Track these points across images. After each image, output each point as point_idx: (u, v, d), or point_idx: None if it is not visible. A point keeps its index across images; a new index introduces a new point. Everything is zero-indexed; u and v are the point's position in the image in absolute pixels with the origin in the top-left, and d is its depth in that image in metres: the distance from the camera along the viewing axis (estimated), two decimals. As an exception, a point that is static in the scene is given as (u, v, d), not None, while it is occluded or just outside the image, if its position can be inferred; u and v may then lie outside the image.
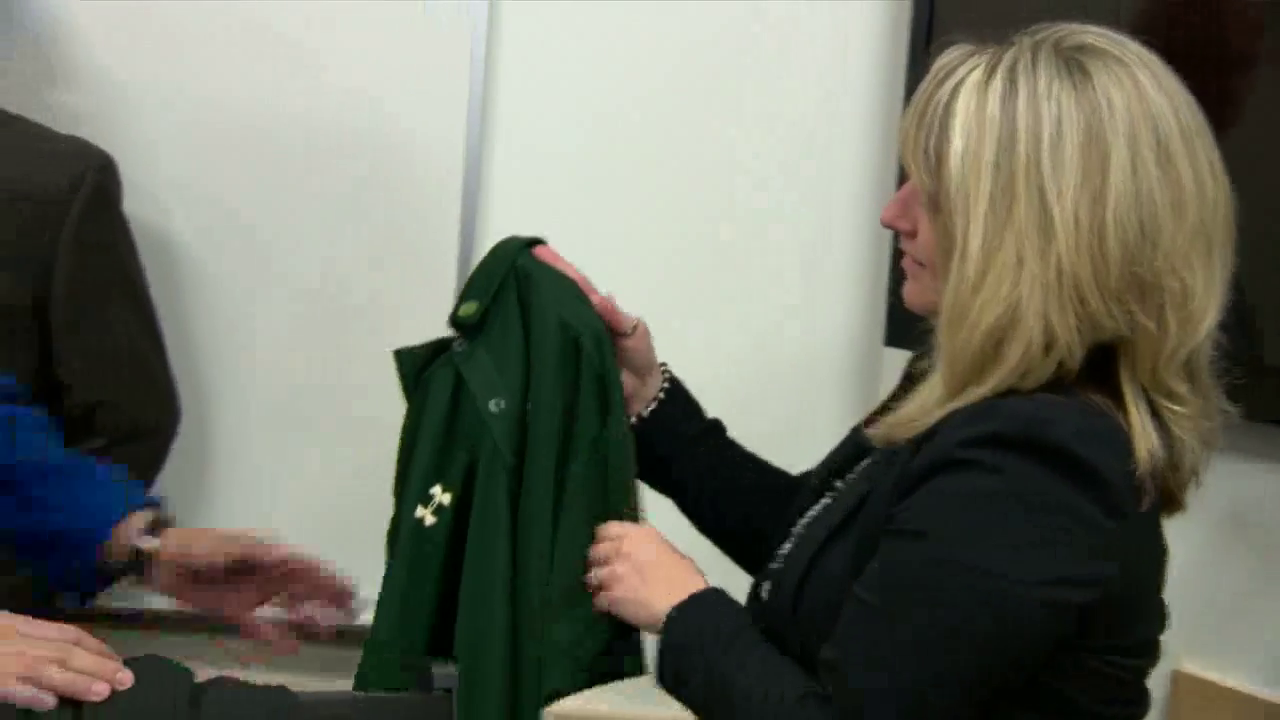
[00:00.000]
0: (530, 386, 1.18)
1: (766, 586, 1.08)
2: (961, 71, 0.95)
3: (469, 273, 1.27)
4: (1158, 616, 0.99)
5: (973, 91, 0.93)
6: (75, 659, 0.95)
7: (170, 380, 1.79)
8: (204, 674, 1.00)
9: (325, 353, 1.88)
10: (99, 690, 0.94)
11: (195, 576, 1.26)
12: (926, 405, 0.96)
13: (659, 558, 1.12)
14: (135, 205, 1.78)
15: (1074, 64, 0.92)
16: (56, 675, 0.94)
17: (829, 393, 1.57)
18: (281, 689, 1.02)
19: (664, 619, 1.06)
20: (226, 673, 1.01)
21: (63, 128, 1.70)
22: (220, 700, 0.98)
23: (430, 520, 1.20)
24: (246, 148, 1.91)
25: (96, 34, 1.69)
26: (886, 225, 1.05)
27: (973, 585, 0.88)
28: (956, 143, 0.92)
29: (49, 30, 1.83)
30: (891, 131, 1.84)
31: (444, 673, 1.08)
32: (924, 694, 0.89)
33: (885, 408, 1.07)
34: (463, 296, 1.23)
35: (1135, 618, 0.96)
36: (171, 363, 1.81)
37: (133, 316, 1.73)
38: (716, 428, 1.32)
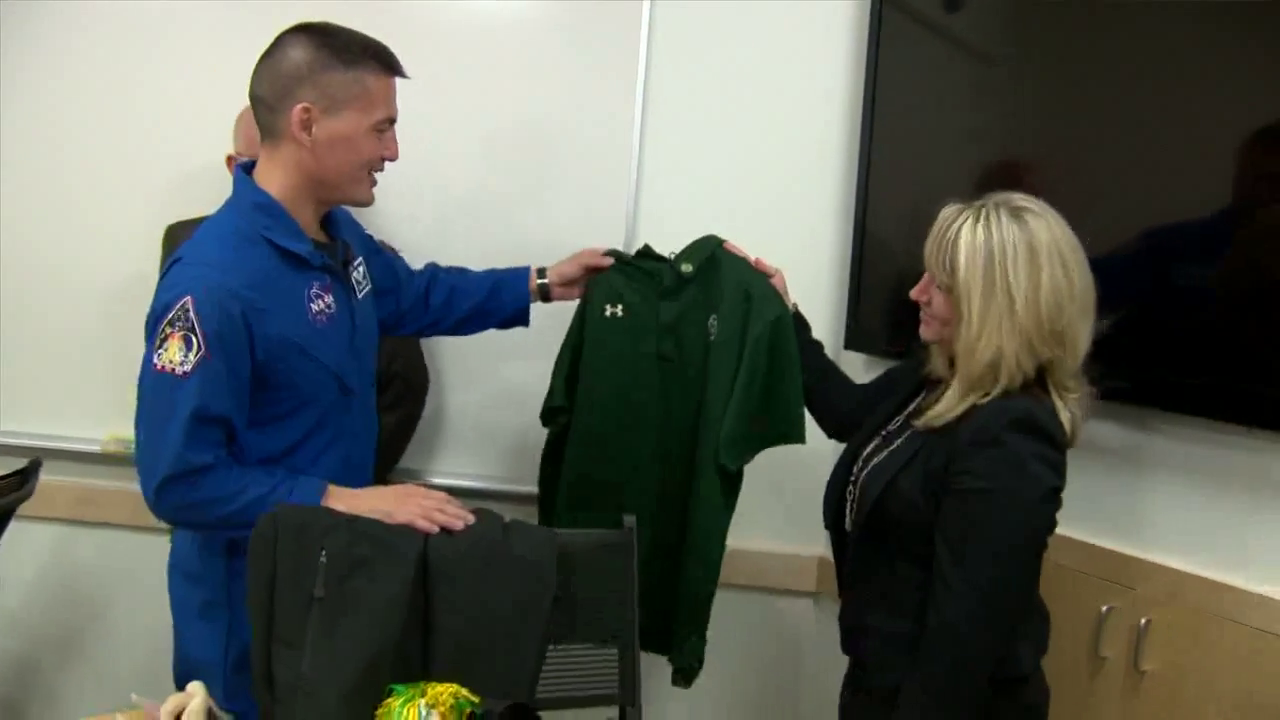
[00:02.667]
0: (723, 314, 2.21)
1: (852, 493, 1.87)
2: (959, 218, 1.71)
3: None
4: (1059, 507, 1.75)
5: (969, 230, 1.69)
6: (448, 508, 1.84)
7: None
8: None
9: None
10: (458, 524, 1.81)
11: (567, 281, 2.32)
12: (951, 405, 1.73)
13: None
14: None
15: (1016, 213, 1.69)
16: (439, 516, 1.71)
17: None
18: (550, 528, 1.81)
19: None
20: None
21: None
22: (519, 528, 1.77)
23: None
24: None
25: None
26: (915, 299, 1.81)
27: (1013, 507, 1.64)
28: (963, 260, 1.68)
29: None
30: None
31: (629, 519, 1.88)
32: (1008, 570, 1.66)
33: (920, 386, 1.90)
34: (679, 259, 2.26)
35: (1058, 506, 1.72)
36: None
37: None
38: (819, 343, 2.31)
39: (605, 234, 2.61)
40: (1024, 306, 1.64)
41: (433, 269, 2.32)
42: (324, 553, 1.68)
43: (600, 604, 1.87)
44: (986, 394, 1.69)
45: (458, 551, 1.75)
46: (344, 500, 1.80)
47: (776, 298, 2.19)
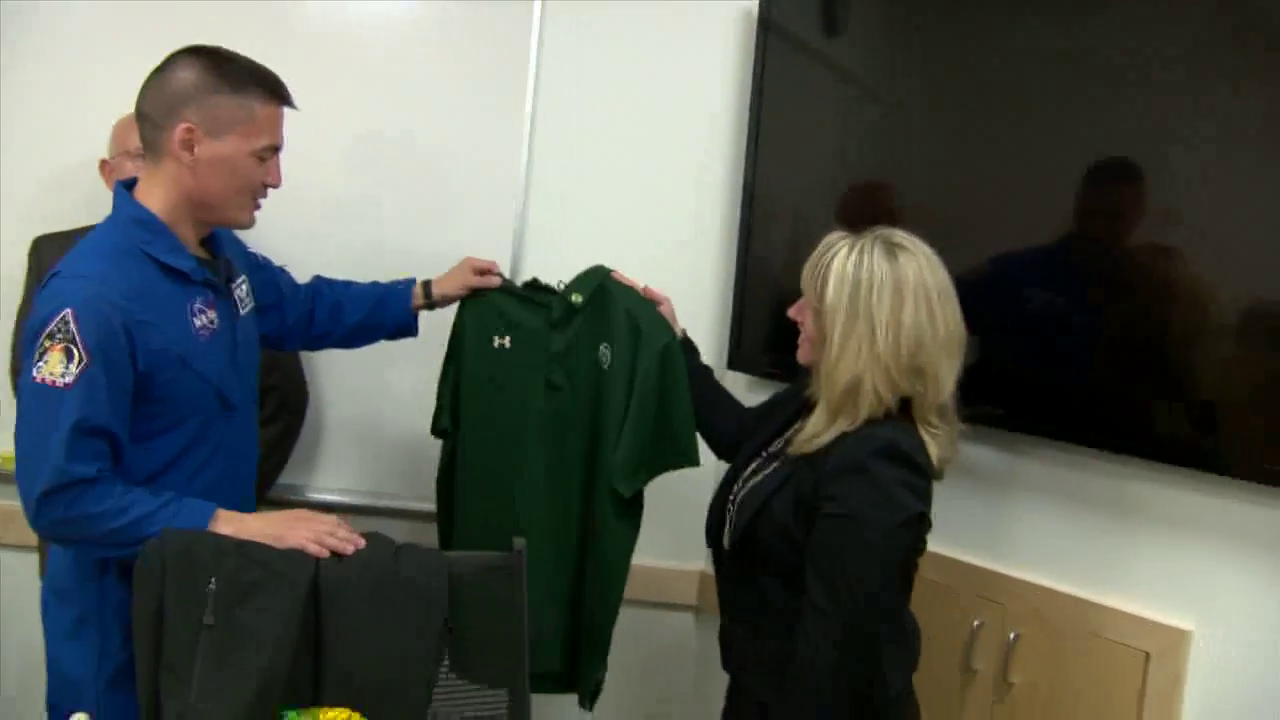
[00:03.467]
0: (614, 343, 2.24)
1: (731, 513, 1.90)
2: (836, 246, 1.77)
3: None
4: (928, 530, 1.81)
5: (841, 258, 1.75)
6: (339, 532, 1.83)
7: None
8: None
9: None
10: (349, 549, 1.80)
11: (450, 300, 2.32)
12: (818, 429, 1.77)
13: None
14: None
15: (891, 249, 1.74)
16: (329, 540, 1.70)
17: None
18: (440, 550, 1.82)
19: None
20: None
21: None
22: (410, 551, 1.79)
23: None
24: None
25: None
26: (791, 318, 1.87)
27: (878, 532, 1.67)
28: (831, 286, 1.74)
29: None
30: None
31: (519, 541, 1.89)
32: (874, 594, 1.68)
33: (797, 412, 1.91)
34: (568, 289, 2.27)
35: (926, 530, 1.77)
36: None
37: None
38: (708, 368, 2.32)
39: (491, 248, 2.59)
40: (884, 338, 1.70)
41: (317, 283, 2.31)
42: (213, 579, 1.65)
43: (491, 625, 1.86)
44: (854, 421, 1.74)
45: (348, 576, 1.74)
46: (232, 524, 1.77)
47: (665, 326, 2.22)
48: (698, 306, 2.76)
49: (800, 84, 2.64)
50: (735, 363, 2.75)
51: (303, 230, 2.69)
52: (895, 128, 2.41)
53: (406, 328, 2.32)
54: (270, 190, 1.93)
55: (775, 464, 1.87)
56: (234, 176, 1.85)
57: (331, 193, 2.74)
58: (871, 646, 1.70)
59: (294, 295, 2.24)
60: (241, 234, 2.13)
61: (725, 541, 1.91)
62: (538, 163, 2.78)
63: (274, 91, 1.87)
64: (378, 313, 2.29)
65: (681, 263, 2.78)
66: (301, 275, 2.31)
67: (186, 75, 1.81)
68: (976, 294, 1.89)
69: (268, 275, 2.19)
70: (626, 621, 2.47)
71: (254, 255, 2.18)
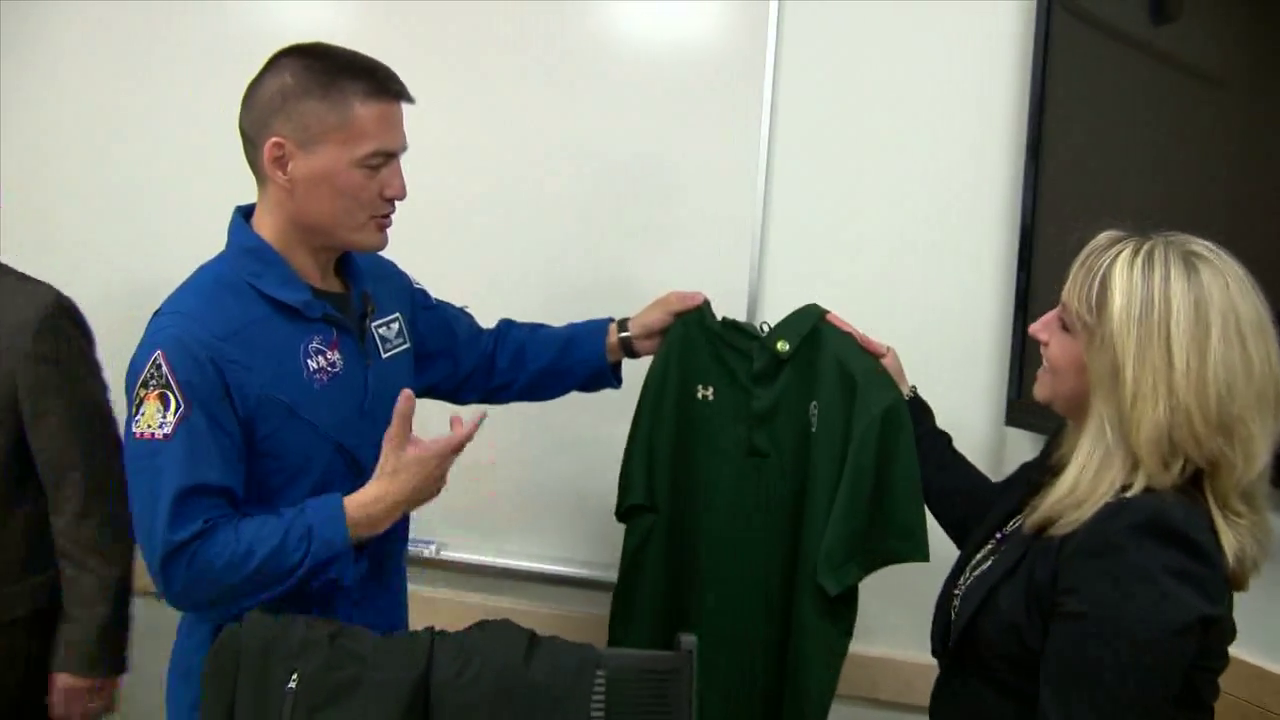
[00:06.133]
0: (822, 400, 1.83)
1: (955, 605, 1.49)
2: (1115, 249, 1.35)
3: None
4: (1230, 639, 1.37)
5: (1125, 262, 1.33)
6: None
7: None
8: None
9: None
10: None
11: (652, 333, 1.96)
12: (1081, 494, 1.32)
13: None
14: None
15: (1189, 260, 1.31)
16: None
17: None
18: (589, 645, 1.44)
19: None
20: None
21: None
22: (548, 649, 1.47)
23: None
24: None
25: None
26: (1034, 335, 1.48)
27: (1138, 641, 1.23)
28: (1117, 298, 1.31)
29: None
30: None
31: (688, 639, 1.56)
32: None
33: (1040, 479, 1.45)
34: (773, 335, 1.90)
35: (1225, 638, 1.34)
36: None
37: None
38: (946, 435, 1.89)
39: (726, 283, 2.27)
40: (1185, 376, 1.26)
41: (504, 326, 2.02)
42: (294, 676, 1.37)
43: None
44: (1127, 488, 1.28)
45: (465, 678, 1.41)
46: (364, 509, 1.54)
47: (886, 382, 1.79)
48: (970, 349, 2.29)
49: (1102, 79, 2.11)
50: (1016, 418, 2.22)
51: (525, 262, 2.44)
52: (1228, 123, 1.87)
53: (602, 374, 1.99)
54: (396, 202, 1.63)
55: (1007, 546, 1.44)
56: (338, 194, 1.57)
57: (557, 223, 2.44)
58: None
59: (472, 340, 1.96)
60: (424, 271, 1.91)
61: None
62: (776, 181, 2.35)
63: (377, 86, 1.57)
64: (565, 357, 1.97)
65: (948, 297, 2.30)
66: (525, 310, 2.08)
67: (274, 81, 1.56)
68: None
69: (438, 316, 1.92)
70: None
71: (422, 292, 1.91)
